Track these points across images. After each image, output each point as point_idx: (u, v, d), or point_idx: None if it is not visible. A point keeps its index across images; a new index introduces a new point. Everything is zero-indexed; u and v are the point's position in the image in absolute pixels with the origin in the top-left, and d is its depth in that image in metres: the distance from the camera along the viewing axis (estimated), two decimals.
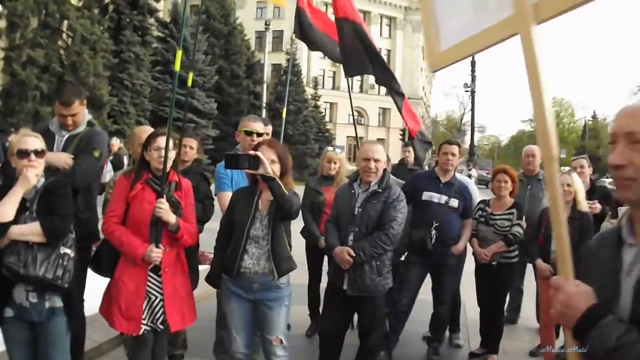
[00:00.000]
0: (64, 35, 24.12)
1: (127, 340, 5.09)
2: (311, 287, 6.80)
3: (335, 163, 6.53)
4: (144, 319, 4.10)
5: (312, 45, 7.63)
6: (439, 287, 6.11)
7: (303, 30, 7.34)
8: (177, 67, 4.58)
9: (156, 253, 4.03)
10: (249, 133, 5.07)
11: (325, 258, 6.44)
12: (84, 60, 22.70)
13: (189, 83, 4.75)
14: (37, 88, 21.50)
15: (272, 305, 4.18)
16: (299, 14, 7.42)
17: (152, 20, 31.26)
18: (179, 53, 4.54)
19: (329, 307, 5.09)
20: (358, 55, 6.92)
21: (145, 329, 4.11)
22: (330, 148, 7.01)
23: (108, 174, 14.92)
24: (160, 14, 33.08)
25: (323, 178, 6.61)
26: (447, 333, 6.65)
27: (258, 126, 5.15)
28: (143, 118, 27.54)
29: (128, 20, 28.75)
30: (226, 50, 38.39)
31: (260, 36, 48.72)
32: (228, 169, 4.41)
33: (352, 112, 7.21)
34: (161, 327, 4.14)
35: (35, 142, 3.68)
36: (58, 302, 3.64)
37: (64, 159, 4.33)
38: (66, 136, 4.49)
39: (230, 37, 39.42)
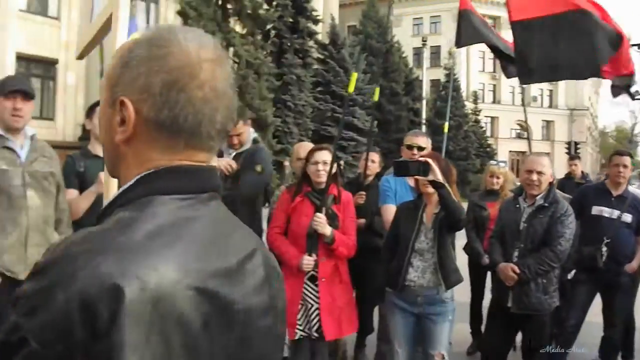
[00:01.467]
0: (231, 61, 25.37)
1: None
2: (473, 304, 6.66)
3: (498, 177, 6.35)
4: (300, 325, 4.24)
5: (482, 39, 7.26)
6: (610, 308, 5.68)
7: (467, 34, 7.08)
8: (351, 89, 4.68)
9: (307, 261, 4.16)
10: (410, 147, 5.07)
11: (489, 275, 6.30)
12: (249, 84, 23.82)
13: (351, 88, 4.85)
14: None
15: (436, 320, 4.13)
16: (464, 17, 7.16)
17: (311, 43, 32.13)
18: (354, 76, 4.64)
19: (492, 325, 4.94)
20: (542, 58, 6.40)
21: (300, 335, 4.25)
22: (493, 162, 6.84)
23: None
24: (319, 36, 33.89)
25: (486, 193, 6.46)
26: (619, 359, 6.21)
27: (420, 140, 5.14)
28: (306, 137, 28.28)
29: (289, 44, 29.83)
30: (385, 68, 38.68)
31: (417, 52, 48.53)
32: (397, 176, 4.42)
33: (525, 121, 6.86)
34: (316, 335, 4.24)
35: None
36: None
37: (226, 162, 4.60)
38: (233, 154, 4.76)
39: (388, 55, 39.69)
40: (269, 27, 28.67)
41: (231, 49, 24.99)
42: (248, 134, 4.85)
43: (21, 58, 21.63)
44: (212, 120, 1.09)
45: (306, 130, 28.88)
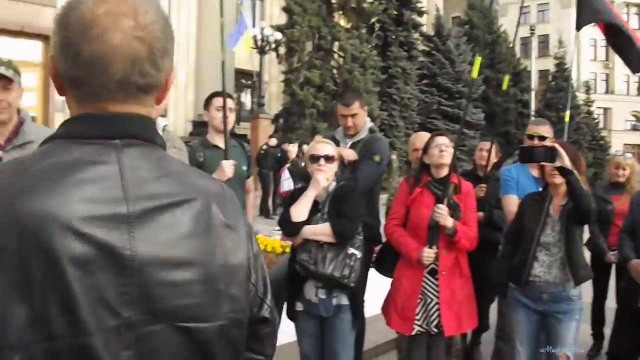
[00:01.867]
0: (336, 56, 25.54)
1: (399, 343, 5.16)
2: (595, 304, 6.33)
3: (624, 169, 5.96)
4: (418, 320, 4.10)
5: (603, 17, 6.82)
6: None
7: (586, 14, 6.68)
8: (475, 73, 4.55)
9: (427, 253, 4.01)
10: (531, 137, 4.85)
11: (612, 274, 5.99)
12: (355, 78, 23.82)
13: (474, 73, 4.69)
14: (314, 106, 23.04)
15: (562, 318, 3.93)
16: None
17: (416, 35, 31.73)
18: (478, 60, 4.50)
19: (620, 327, 4.67)
20: None
21: (418, 330, 4.11)
22: (618, 152, 6.46)
23: (286, 181, 15.23)
24: (424, 28, 33.44)
25: (611, 186, 6.08)
26: None
27: (542, 129, 4.89)
28: (412, 130, 28.00)
29: (394, 36, 29.55)
30: (491, 59, 37.72)
31: (525, 42, 47.13)
32: (522, 162, 4.25)
33: None
34: (435, 330, 4.10)
35: (326, 148, 3.91)
36: (344, 300, 3.80)
37: (350, 153, 4.53)
38: (349, 143, 4.68)
39: (495, 46, 38.71)
40: (373, 20, 28.57)
41: (336, 43, 25.10)
42: (364, 119, 4.75)
43: None
44: (105, 72, 1.12)
45: (412, 123, 28.56)
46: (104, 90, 1.14)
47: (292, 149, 15.71)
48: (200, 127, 21.50)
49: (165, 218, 1.11)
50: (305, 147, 16.09)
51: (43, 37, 17.60)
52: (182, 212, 1.14)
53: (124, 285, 1.05)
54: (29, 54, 16.66)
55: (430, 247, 4.02)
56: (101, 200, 1.06)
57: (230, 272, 1.20)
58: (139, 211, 1.08)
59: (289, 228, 3.80)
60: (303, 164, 15.53)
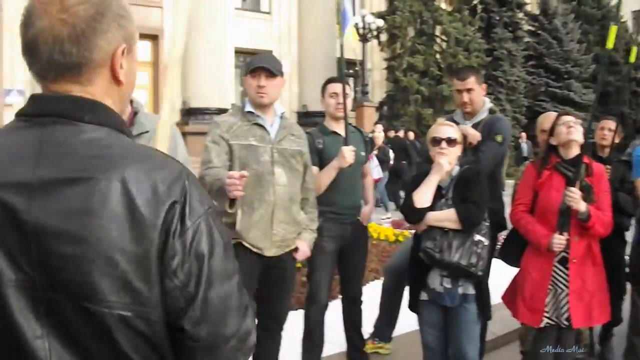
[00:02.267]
0: (439, 40, 25.19)
1: (523, 335, 4.95)
2: None
3: None
4: (547, 312, 3.88)
5: None
6: None
7: None
8: (610, 44, 4.28)
9: (558, 240, 3.76)
10: None
11: None
12: (459, 62, 23.40)
13: (610, 44, 4.40)
14: (418, 92, 22.88)
15: None
16: None
17: (521, 15, 30.82)
18: (614, 29, 4.22)
19: None
20: None
21: (547, 323, 3.90)
22: None
23: (375, 169, 14.71)
24: (529, 7, 32.40)
25: None
26: None
27: None
28: (519, 114, 27.30)
29: (498, 17, 28.77)
30: (602, 36, 35.94)
31: (637, 16, 44.77)
32: None
33: None
34: (565, 323, 3.86)
35: (448, 130, 3.77)
36: (470, 289, 3.65)
37: (474, 133, 4.37)
38: (469, 125, 4.51)
39: (604, 22, 36.99)
40: (475, 1, 28.03)
41: (438, 27, 24.76)
42: (482, 97, 4.59)
43: (239, 52, 22.88)
44: (37, 55, 1.25)
45: (519, 106, 27.76)
46: (40, 71, 1.28)
47: (379, 135, 15.15)
48: (304, 117, 21.72)
49: (68, 192, 1.17)
50: (411, 133, 15.89)
51: (152, 37, 18.29)
52: (87, 188, 1.17)
53: (25, 247, 1.15)
54: (140, 54, 17.51)
55: (561, 234, 3.79)
56: (13, 168, 1.19)
57: (132, 261, 1.17)
58: (43, 181, 1.17)
59: (412, 215, 3.69)
60: (388, 150, 15.50)
